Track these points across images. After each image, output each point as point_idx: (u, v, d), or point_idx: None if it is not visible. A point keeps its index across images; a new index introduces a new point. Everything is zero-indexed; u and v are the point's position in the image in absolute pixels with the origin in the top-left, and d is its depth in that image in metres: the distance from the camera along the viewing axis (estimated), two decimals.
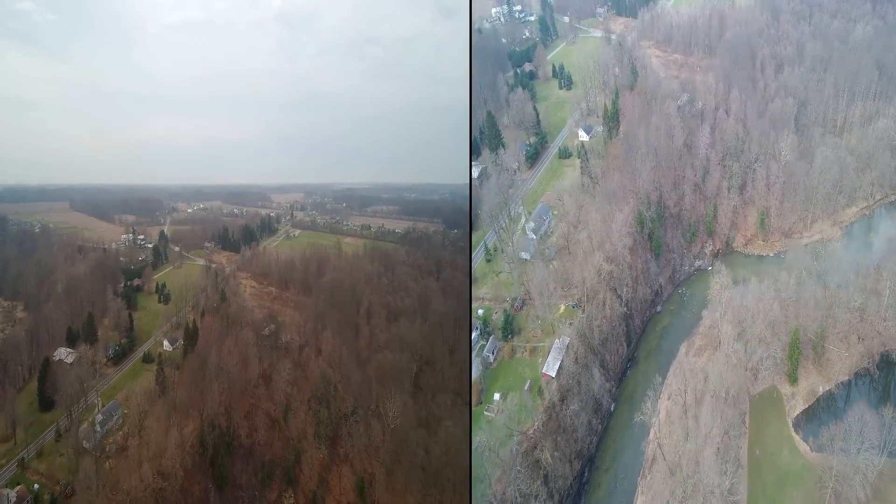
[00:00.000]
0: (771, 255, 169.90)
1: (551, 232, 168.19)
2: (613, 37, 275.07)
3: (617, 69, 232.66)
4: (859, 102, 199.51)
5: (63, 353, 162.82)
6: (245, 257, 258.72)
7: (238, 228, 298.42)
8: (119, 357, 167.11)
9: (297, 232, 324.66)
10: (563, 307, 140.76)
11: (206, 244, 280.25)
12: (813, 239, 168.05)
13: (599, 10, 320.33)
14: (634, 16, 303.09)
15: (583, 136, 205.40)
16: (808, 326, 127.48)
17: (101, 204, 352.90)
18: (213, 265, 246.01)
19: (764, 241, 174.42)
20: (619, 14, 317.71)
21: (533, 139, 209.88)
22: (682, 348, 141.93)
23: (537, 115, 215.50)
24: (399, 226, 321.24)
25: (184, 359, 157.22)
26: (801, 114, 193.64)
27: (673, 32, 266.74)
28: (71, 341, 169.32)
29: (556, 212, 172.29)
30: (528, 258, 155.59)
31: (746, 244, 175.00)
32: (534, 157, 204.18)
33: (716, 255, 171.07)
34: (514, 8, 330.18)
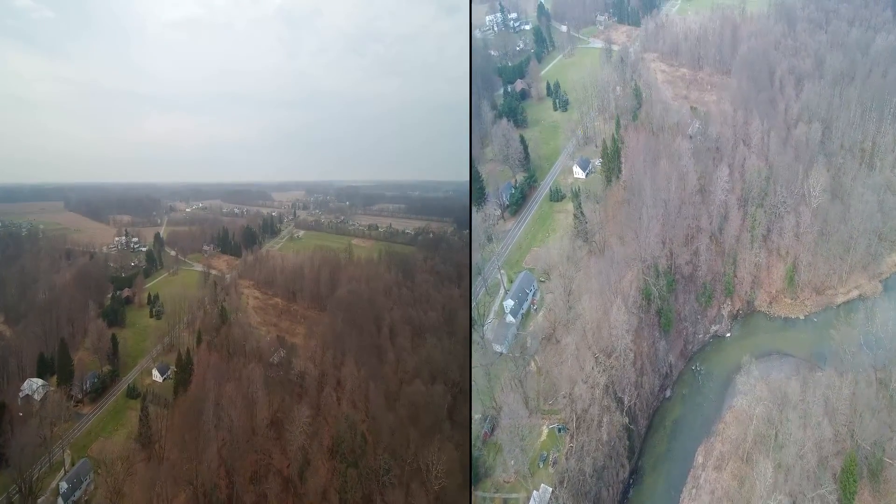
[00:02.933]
0: (801, 317, 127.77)
1: (536, 309, 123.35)
2: (615, 48, 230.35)
3: (618, 88, 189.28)
4: (889, 123, 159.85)
5: (31, 387, 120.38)
6: (247, 262, 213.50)
7: (239, 229, 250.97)
8: (98, 391, 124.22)
9: (301, 233, 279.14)
10: (545, 431, 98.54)
11: (205, 247, 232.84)
12: (849, 296, 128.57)
13: (600, 19, 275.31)
14: (637, 24, 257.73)
15: (578, 174, 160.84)
16: (860, 433, 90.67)
17: (97, 203, 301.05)
18: (213, 272, 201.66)
19: (792, 299, 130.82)
20: (620, 22, 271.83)
21: (520, 177, 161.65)
22: (699, 456, 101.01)
23: (525, 148, 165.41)
24: (408, 226, 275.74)
25: (175, 396, 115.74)
26: (826, 138, 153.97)
27: (680, 44, 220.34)
28: (43, 370, 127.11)
29: (542, 279, 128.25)
30: (504, 352, 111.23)
31: (771, 303, 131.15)
32: (520, 200, 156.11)
33: (735, 318, 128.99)
34: (510, 16, 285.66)
